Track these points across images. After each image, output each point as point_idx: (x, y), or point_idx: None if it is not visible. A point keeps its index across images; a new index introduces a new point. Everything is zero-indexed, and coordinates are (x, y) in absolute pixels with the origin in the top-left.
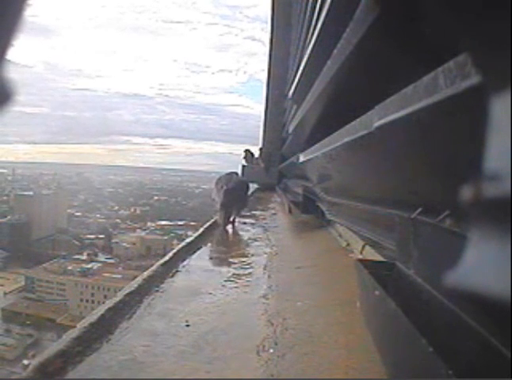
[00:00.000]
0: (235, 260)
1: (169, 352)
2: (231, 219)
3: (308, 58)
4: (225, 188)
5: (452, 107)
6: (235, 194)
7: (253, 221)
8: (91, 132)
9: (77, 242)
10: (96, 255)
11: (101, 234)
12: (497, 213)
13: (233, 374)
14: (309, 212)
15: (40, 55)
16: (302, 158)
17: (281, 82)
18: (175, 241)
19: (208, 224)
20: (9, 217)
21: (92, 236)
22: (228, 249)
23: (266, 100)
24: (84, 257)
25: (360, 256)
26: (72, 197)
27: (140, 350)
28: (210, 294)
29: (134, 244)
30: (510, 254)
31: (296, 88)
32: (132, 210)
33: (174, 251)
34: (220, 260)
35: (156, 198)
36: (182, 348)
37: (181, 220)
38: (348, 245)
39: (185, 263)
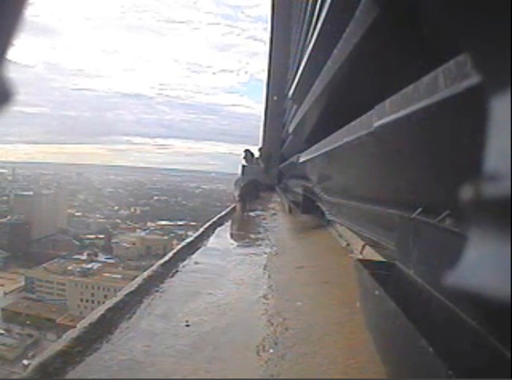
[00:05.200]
0: (235, 260)
1: (169, 352)
2: (246, 207)
3: (308, 58)
4: (241, 184)
5: (452, 107)
6: (248, 189)
7: (253, 221)
8: (91, 132)
9: (77, 242)
10: (96, 255)
11: (101, 234)
12: (497, 213)
13: (233, 374)
14: (309, 212)
15: (41, 54)
16: (302, 158)
17: (281, 82)
18: (175, 241)
19: (208, 224)
20: (9, 217)
21: (92, 236)
22: (228, 249)
23: (266, 100)
24: (84, 257)
25: (360, 256)
26: (72, 197)
27: (140, 350)
28: (210, 294)
29: (134, 244)
30: (509, 254)
31: (296, 88)
32: (132, 210)
33: (174, 251)
34: (220, 260)
35: (156, 198)
36: (182, 348)
37: (181, 220)
38: (348, 245)
39: (185, 263)
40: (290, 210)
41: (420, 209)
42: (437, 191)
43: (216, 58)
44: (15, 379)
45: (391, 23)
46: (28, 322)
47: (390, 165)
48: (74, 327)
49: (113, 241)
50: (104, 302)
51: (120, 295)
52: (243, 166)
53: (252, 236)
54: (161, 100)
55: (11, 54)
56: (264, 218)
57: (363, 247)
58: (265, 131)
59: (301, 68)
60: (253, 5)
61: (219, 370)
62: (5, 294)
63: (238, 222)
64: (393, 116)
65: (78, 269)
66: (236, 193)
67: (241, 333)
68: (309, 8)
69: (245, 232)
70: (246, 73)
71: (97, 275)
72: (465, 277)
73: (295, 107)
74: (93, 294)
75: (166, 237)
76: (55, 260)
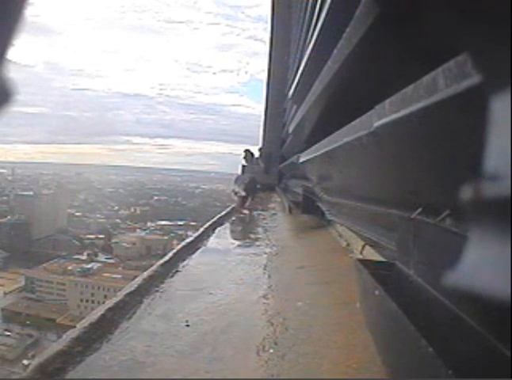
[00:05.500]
0: (236, 260)
1: (169, 352)
2: (247, 204)
3: (308, 58)
4: (244, 182)
5: (452, 107)
6: (249, 187)
7: (253, 221)
8: (91, 132)
9: (77, 242)
10: (96, 255)
11: (101, 234)
12: (497, 213)
13: (233, 374)
14: (309, 212)
15: (41, 54)
16: (302, 158)
17: (281, 82)
18: (175, 241)
19: (208, 224)
20: (9, 217)
21: (92, 236)
22: (228, 249)
23: (266, 100)
24: (84, 257)
25: (360, 256)
26: (72, 197)
27: (140, 350)
28: (210, 294)
29: (134, 244)
30: (509, 254)
31: (296, 88)
32: (132, 210)
33: (174, 251)
34: (220, 261)
35: (156, 198)
36: (182, 348)
37: (181, 220)
38: (348, 245)
39: (185, 263)
40: (290, 210)
41: (420, 209)
42: (437, 191)
43: (216, 58)
44: (15, 379)
45: (391, 23)
46: (28, 322)
47: (390, 165)
48: (74, 327)
49: (113, 241)
50: (104, 302)
51: (120, 295)
52: (243, 166)
53: (252, 236)
54: (161, 100)
55: (11, 54)
56: (264, 218)
57: (363, 247)
58: (265, 131)
59: (301, 68)
60: (253, 5)
61: (219, 370)
62: (5, 294)
63: (237, 221)
64: (393, 116)
65: (78, 269)
66: (241, 189)
67: (241, 333)
68: (309, 8)
69: (245, 232)
70: (246, 73)
71: (97, 275)
72: (465, 277)
73: (295, 107)
74: (93, 294)
75: (166, 237)
76: (55, 260)
